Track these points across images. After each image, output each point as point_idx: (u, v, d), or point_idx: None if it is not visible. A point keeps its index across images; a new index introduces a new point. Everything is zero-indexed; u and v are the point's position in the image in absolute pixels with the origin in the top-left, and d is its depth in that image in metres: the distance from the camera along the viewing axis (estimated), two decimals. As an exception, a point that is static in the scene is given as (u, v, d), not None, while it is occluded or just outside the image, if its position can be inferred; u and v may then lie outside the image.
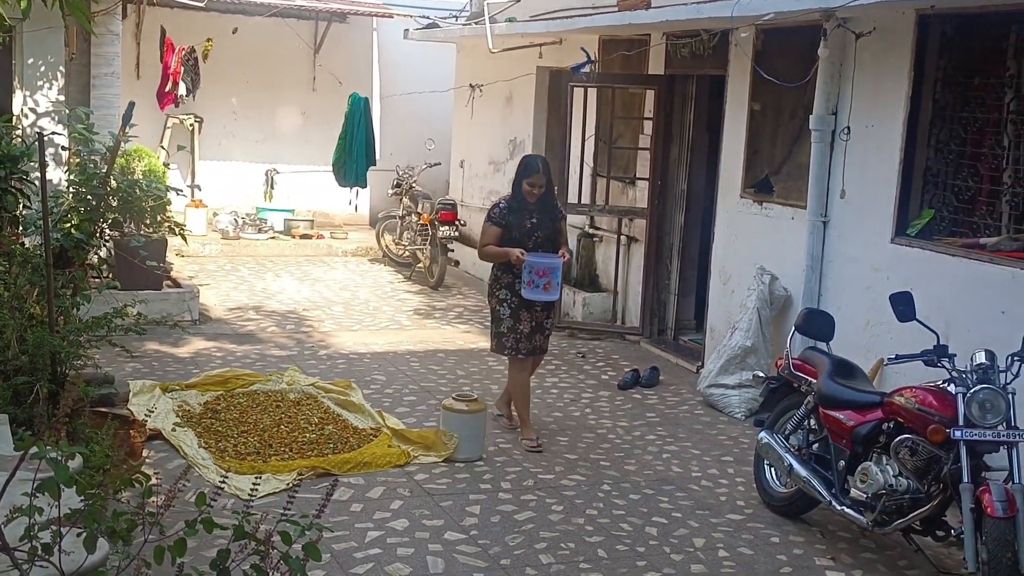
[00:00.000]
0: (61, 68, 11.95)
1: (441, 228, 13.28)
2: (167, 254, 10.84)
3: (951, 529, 5.79)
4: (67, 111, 9.98)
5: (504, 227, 7.56)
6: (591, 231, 11.98)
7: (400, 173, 14.84)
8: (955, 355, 5.74)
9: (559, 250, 7.61)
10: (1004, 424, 5.44)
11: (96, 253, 8.33)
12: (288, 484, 6.48)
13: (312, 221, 16.25)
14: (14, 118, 10.75)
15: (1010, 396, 5.48)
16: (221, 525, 2.38)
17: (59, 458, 2.05)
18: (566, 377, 9.61)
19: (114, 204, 8.83)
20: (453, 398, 7.59)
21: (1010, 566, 5.08)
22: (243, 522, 2.26)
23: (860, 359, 7.06)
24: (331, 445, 7.32)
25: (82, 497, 2.19)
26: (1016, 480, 5.35)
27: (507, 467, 7.24)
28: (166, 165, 12.63)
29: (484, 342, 10.80)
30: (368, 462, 7.07)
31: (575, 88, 11.25)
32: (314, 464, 6.92)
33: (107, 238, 9.07)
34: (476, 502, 6.62)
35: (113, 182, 8.64)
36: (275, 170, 16.34)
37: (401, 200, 14.56)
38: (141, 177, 10.16)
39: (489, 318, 8.04)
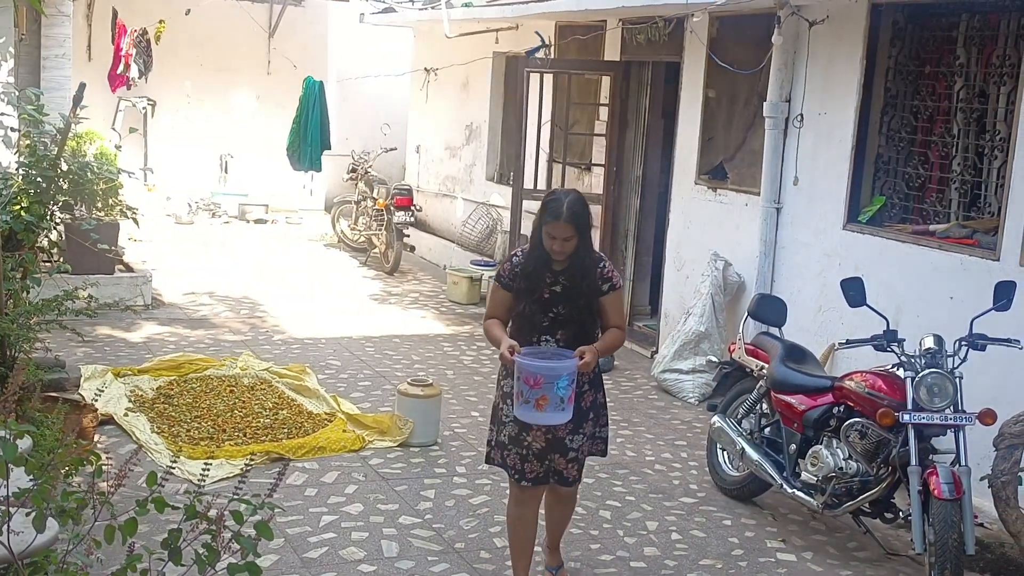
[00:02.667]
0: (11, 49, 11.79)
1: (397, 213, 13.25)
2: (119, 238, 10.74)
3: (899, 511, 5.87)
4: (17, 92, 9.84)
5: (514, 293, 5.01)
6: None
7: (356, 158, 14.80)
8: (904, 340, 5.80)
9: (589, 340, 4.94)
10: (951, 408, 5.50)
11: (46, 236, 8.26)
12: (241, 469, 6.47)
13: (267, 206, 16.20)
14: (-38, 99, 10.59)
15: (957, 380, 5.55)
16: (172, 505, 2.38)
17: (7, 437, 2.05)
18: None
19: (65, 186, 8.77)
20: (408, 383, 7.58)
21: (956, 547, 5.16)
22: (194, 502, 2.26)
23: (812, 344, 7.13)
24: (285, 430, 7.30)
25: (31, 477, 2.18)
26: (962, 463, 5.42)
27: (462, 451, 7.25)
28: (118, 148, 12.53)
29: (440, 327, 10.85)
30: (323, 447, 7.06)
31: (531, 74, 11.24)
32: (268, 449, 6.90)
33: (58, 221, 9.00)
34: (431, 486, 6.63)
35: (64, 164, 8.57)
36: (229, 154, 16.24)
37: (356, 185, 14.52)
38: (92, 160, 10.06)
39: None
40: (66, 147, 8.58)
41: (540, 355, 4.73)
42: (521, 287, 4.93)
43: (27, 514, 2.17)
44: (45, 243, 8.39)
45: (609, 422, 5.28)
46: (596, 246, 5.54)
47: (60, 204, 8.91)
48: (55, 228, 8.82)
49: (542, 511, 5.38)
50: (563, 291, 4.87)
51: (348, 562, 5.52)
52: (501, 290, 5.03)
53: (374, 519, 6.08)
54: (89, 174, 9.52)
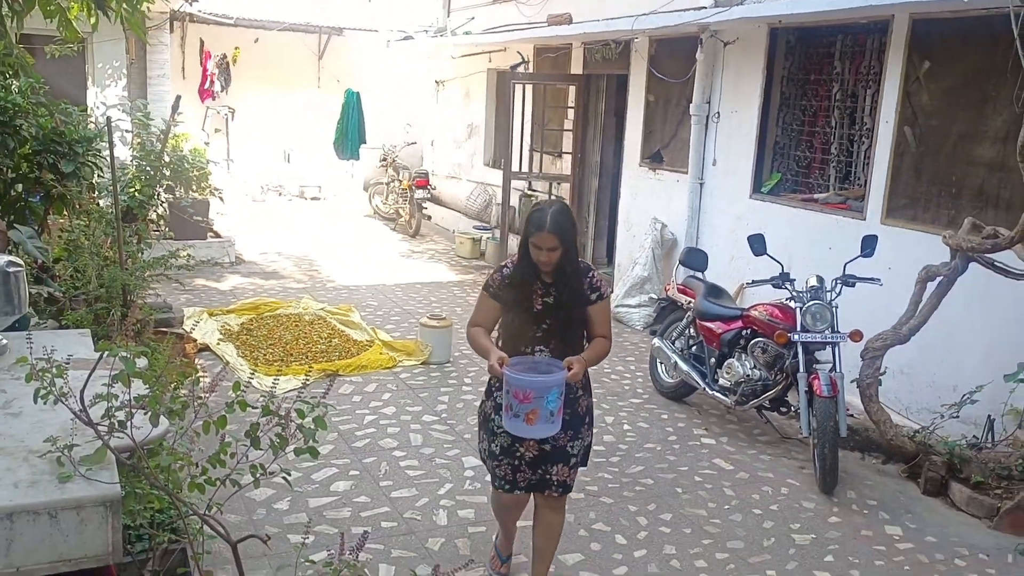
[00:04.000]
0: (124, 70, 11.67)
1: (417, 191, 13.22)
2: (210, 212, 10.69)
3: (791, 406, 5.93)
4: (129, 103, 9.74)
5: (503, 304, 3.76)
6: (529, 192, 11.96)
7: (385, 150, 14.71)
8: (795, 279, 5.83)
9: (578, 350, 3.72)
10: (829, 329, 5.54)
11: (155, 211, 8.21)
12: (303, 381, 6.49)
13: (320, 187, 16.08)
14: (88, 108, 10.49)
15: (834, 309, 5.59)
16: (252, 406, 2.40)
17: (128, 356, 2.07)
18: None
19: (167, 174, 8.70)
20: (428, 317, 7.59)
21: (833, 431, 5.23)
22: (268, 403, 2.28)
23: (726, 284, 7.15)
24: (337, 353, 7.32)
25: (147, 386, 2.20)
26: (837, 370, 5.47)
27: (468, 368, 7.27)
28: (206, 144, 12.43)
29: (451, 276, 10.82)
30: (365, 365, 7.09)
31: (516, 84, 11.16)
32: (324, 367, 6.92)
33: (163, 199, 8.94)
34: (446, 393, 6.66)
35: (166, 157, 8.49)
36: (291, 148, 16.10)
37: (387, 171, 14.45)
38: (188, 154, 9.98)
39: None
40: (167, 144, 8.50)
41: (530, 365, 3.57)
42: (511, 299, 3.70)
43: (145, 414, 2.19)
44: (154, 216, 8.33)
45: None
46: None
47: (164, 187, 8.84)
48: (161, 205, 8.76)
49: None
50: (554, 302, 3.67)
51: (385, 449, 5.57)
52: (489, 299, 3.77)
53: (403, 418, 6.12)
54: (185, 164, 9.45)
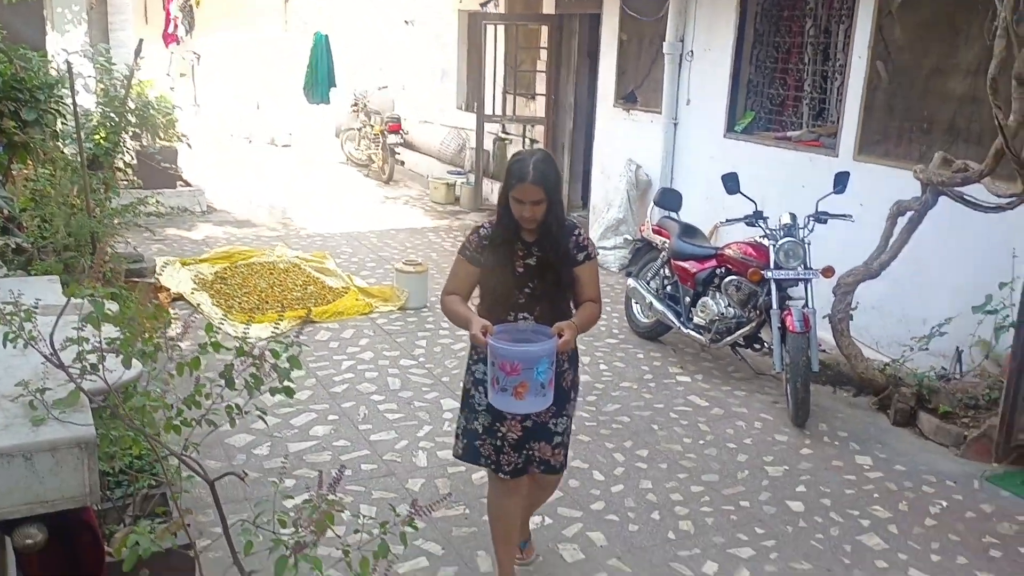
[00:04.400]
0: (84, 15, 11.36)
1: (390, 137, 13.08)
2: (178, 160, 10.52)
3: (764, 343, 6.02)
4: (92, 49, 9.49)
5: (482, 268, 3.36)
6: (503, 135, 11.88)
7: (356, 95, 14.51)
8: (768, 217, 5.86)
9: (565, 315, 3.33)
10: (802, 266, 5.60)
11: (121, 159, 8.06)
12: (274, 328, 6.48)
13: (291, 133, 15.86)
14: (49, 55, 10.22)
15: (807, 246, 5.64)
16: (226, 347, 2.41)
17: (98, 298, 2.05)
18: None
19: (133, 120, 8.52)
20: (403, 263, 7.59)
21: (805, 366, 5.31)
22: (243, 343, 2.29)
23: (701, 223, 7.16)
24: (312, 300, 7.31)
25: (118, 329, 2.20)
26: (810, 306, 5.54)
27: (444, 311, 7.29)
28: (172, 89, 12.19)
29: (426, 221, 10.77)
30: (341, 312, 7.09)
31: (487, 25, 11.01)
32: (300, 314, 6.91)
33: (129, 147, 8.77)
34: (423, 338, 6.69)
35: (131, 103, 8.31)
36: (260, 95, 15.83)
37: (358, 116, 14.28)
38: (153, 100, 9.78)
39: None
40: (131, 90, 8.32)
41: (516, 334, 3.21)
42: (491, 262, 3.32)
43: (117, 356, 2.19)
44: (121, 164, 8.18)
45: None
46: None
47: (130, 134, 8.67)
48: (128, 152, 8.60)
49: None
50: (537, 264, 3.29)
51: (363, 394, 5.60)
52: (466, 264, 3.36)
53: (381, 362, 6.15)
54: (151, 110, 9.27)
